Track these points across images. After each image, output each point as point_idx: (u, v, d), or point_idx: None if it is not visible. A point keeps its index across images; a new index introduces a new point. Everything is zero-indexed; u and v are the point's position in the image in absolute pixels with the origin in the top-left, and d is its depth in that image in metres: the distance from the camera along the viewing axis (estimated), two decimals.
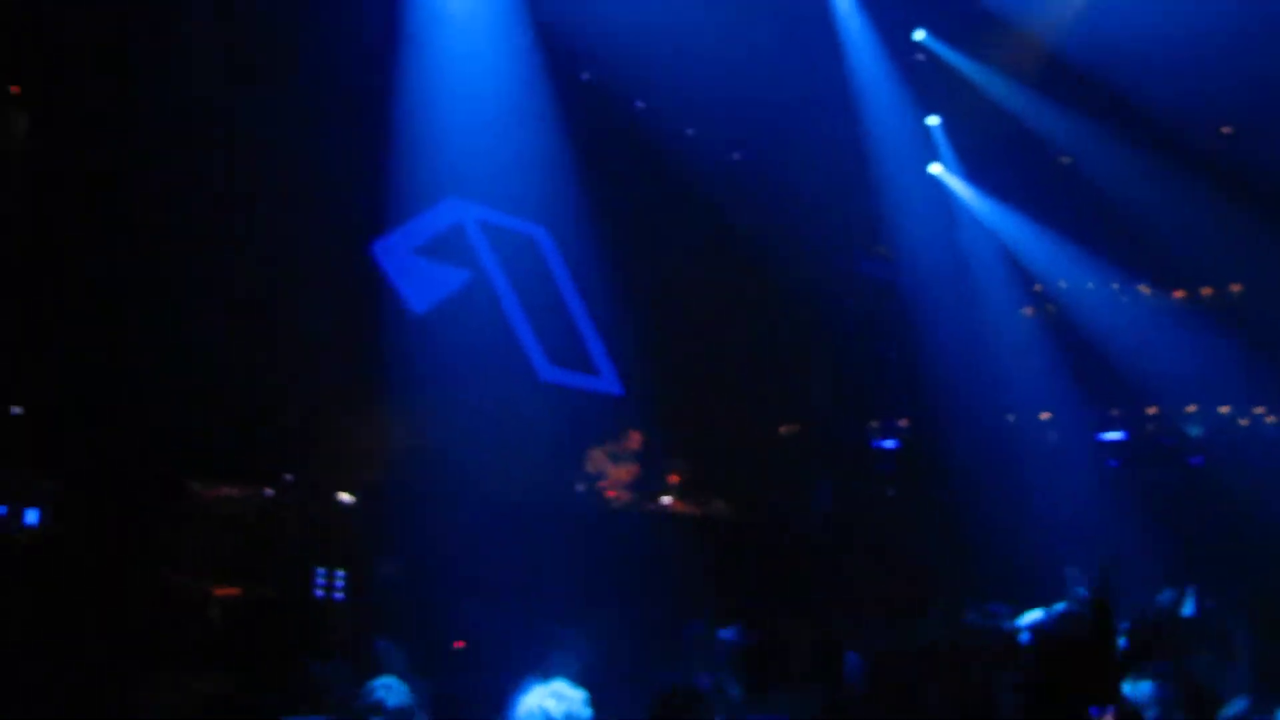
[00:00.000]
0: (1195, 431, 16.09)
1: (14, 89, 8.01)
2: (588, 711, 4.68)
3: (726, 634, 6.62)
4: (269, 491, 8.71)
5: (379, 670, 5.56)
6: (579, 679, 5.29)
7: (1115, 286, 16.09)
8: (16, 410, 7.28)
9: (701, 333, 12.56)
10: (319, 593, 8.18)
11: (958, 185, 14.95)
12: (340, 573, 8.17)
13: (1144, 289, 16.37)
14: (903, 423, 16.49)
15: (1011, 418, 16.86)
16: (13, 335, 7.42)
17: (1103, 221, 14.08)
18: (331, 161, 9.61)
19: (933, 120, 14.23)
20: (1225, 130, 13.83)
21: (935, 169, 14.82)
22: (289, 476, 8.77)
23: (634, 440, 10.33)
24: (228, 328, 8.97)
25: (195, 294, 8.64)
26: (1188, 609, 7.54)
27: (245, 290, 9.14)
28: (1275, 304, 13.72)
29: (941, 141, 14.60)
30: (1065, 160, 14.45)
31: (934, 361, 14.33)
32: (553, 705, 4.66)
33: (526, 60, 11.21)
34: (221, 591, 7.86)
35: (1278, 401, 15.09)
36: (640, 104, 12.43)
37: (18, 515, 7.61)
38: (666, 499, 9.95)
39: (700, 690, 4.52)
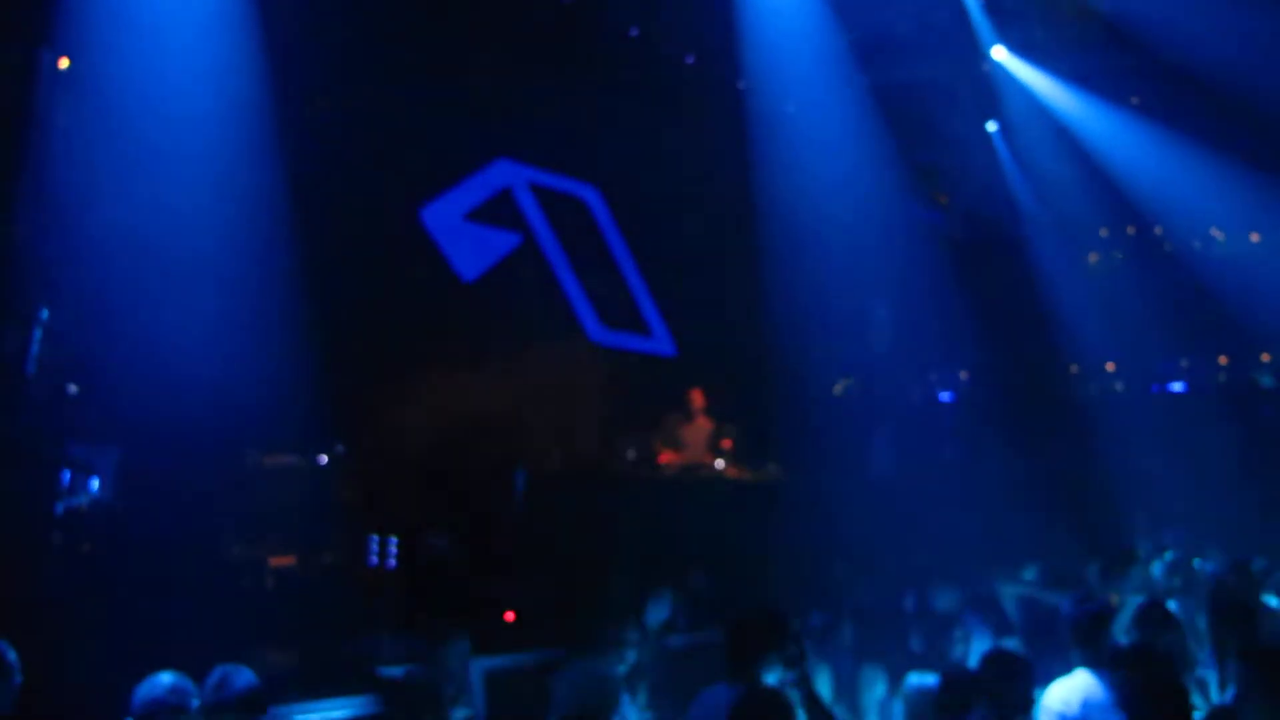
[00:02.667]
0: (1268, 382, 15.67)
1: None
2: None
3: None
4: (323, 460, 8.77)
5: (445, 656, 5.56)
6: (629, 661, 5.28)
7: (1185, 231, 15.67)
8: (72, 389, 7.37)
9: (753, 287, 12.40)
10: (373, 560, 8.25)
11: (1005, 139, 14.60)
12: (393, 540, 8.22)
13: (1216, 233, 15.90)
14: (962, 375, 16.27)
15: (1075, 368, 16.58)
16: (73, 312, 7.49)
17: (1174, 163, 13.67)
18: (379, 128, 9.58)
19: (998, 52, 13.79)
20: None
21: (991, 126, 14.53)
22: (340, 447, 8.82)
23: (699, 400, 10.24)
24: (280, 298, 9.00)
25: (248, 265, 8.65)
26: None
27: (297, 260, 9.15)
28: None
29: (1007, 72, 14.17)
30: (1135, 100, 14.00)
31: (995, 311, 14.06)
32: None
33: (573, 18, 11.03)
34: (277, 560, 7.97)
35: None
36: (690, 59, 12.19)
37: (80, 485, 7.75)
38: (720, 464, 9.85)
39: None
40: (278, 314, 8.96)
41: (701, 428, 10.21)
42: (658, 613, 6.44)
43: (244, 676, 4.17)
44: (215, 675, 4.13)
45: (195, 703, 4.06)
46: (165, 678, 4.07)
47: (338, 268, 9.39)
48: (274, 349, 8.83)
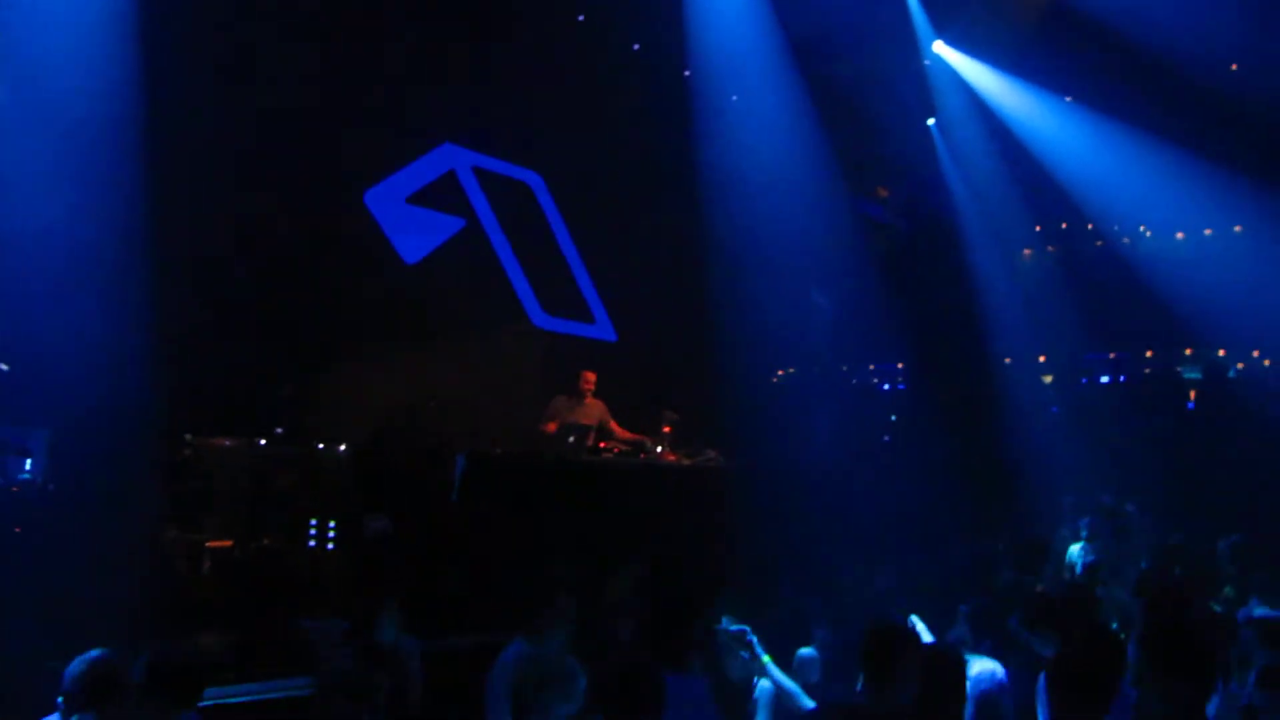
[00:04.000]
0: (1191, 375, 16.09)
1: None
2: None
3: None
4: (262, 443, 8.70)
5: (377, 629, 5.57)
6: (567, 643, 5.33)
7: (1115, 227, 16.02)
8: (3, 368, 7.25)
9: (694, 275, 12.50)
10: (312, 543, 8.21)
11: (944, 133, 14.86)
12: (332, 523, 8.18)
13: (1145, 230, 16.28)
14: (899, 365, 16.53)
15: (1009, 360, 16.89)
16: (3, 291, 7.36)
17: (1106, 161, 13.99)
18: (321, 110, 9.51)
19: (938, 46, 14.03)
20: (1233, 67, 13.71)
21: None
22: (279, 430, 8.75)
23: (589, 382, 10.19)
24: (219, 279, 8.93)
25: (187, 247, 8.56)
26: None
27: (237, 243, 9.08)
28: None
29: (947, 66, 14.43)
30: (1068, 99, 14.30)
31: (933, 303, 14.29)
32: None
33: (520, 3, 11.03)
34: (214, 543, 7.90)
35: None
36: (636, 46, 12.24)
37: (12, 467, 7.64)
38: (659, 449, 9.94)
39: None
40: (217, 295, 8.90)
41: (590, 410, 10.13)
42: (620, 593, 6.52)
43: (178, 656, 4.13)
44: (147, 655, 4.08)
45: (129, 680, 4.02)
46: (96, 654, 4.03)
47: (279, 250, 9.33)
48: (213, 330, 8.76)
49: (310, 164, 9.44)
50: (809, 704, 5.05)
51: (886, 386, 16.57)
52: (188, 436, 8.56)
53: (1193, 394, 15.52)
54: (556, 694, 4.10)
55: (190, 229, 8.48)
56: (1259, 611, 6.02)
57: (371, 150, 10.33)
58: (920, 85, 14.05)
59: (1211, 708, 4.90)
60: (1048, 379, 17.08)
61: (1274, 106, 12.14)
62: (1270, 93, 12.00)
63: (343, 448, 9.02)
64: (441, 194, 10.98)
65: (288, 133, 9.11)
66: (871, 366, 16.46)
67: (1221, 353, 15.91)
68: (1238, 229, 15.50)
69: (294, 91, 9.25)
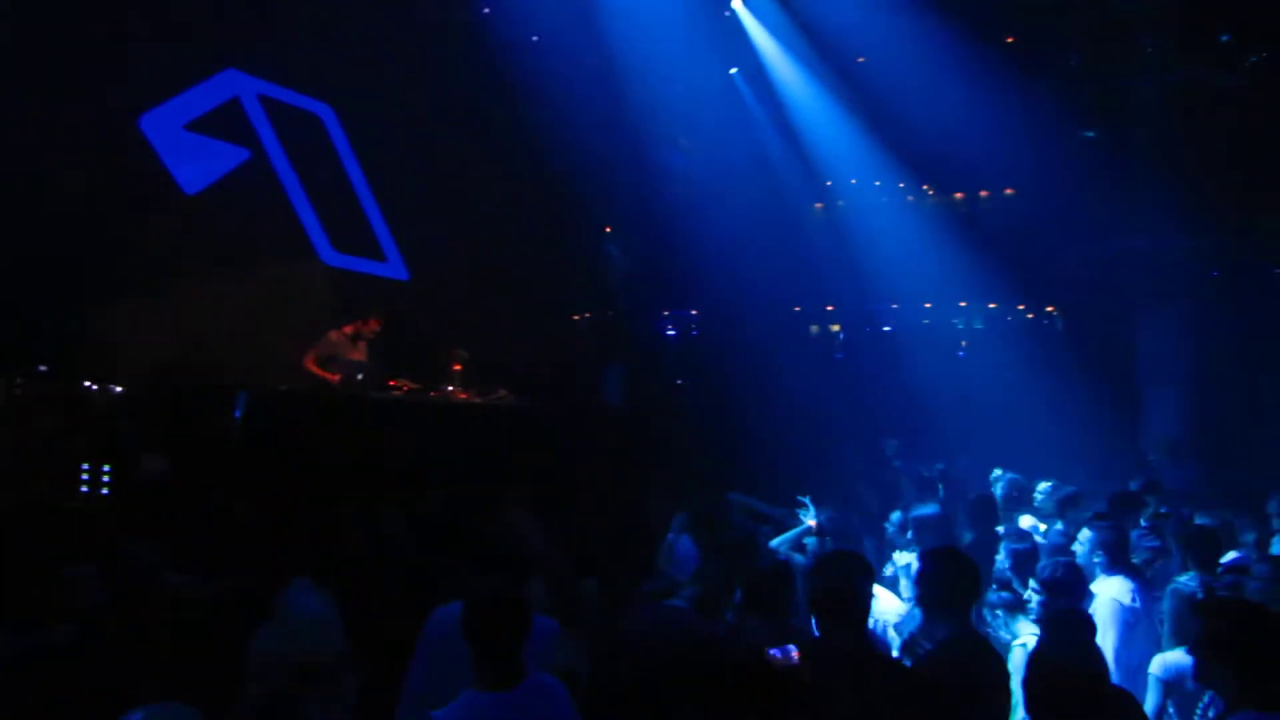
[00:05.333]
0: (962, 325, 17.17)
1: None
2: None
3: None
4: (21, 383, 8.11)
5: (134, 573, 5.36)
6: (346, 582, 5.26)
7: (901, 185, 16.80)
8: None
9: (490, 217, 12.39)
10: (85, 489, 7.76)
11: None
12: (106, 467, 7.76)
13: (928, 190, 17.13)
14: (694, 312, 16.91)
15: (799, 309, 17.54)
16: None
17: (894, 122, 14.61)
18: (90, 23, 8.85)
19: (736, 3, 14.32)
20: (1009, 40, 14.58)
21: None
22: (43, 367, 8.19)
23: (374, 330, 9.94)
24: None
25: None
26: None
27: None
28: (1044, 207, 14.57)
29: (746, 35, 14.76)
30: (861, 60, 14.79)
31: (727, 252, 14.64)
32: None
33: None
34: None
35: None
36: None
37: None
38: (449, 388, 9.86)
39: None
40: None
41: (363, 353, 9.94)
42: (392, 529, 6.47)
43: None
44: None
45: None
46: None
47: (43, 173, 8.65)
48: None
49: (79, 83, 8.78)
50: None
51: (674, 333, 16.95)
52: None
53: (964, 343, 16.60)
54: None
55: None
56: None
57: (148, 71, 9.67)
58: (723, 37, 14.30)
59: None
60: (835, 328, 17.87)
61: None
62: None
63: (117, 388, 8.54)
64: (224, 122, 10.42)
65: (53, 49, 8.44)
66: (666, 313, 16.77)
67: (992, 305, 17.05)
68: (1009, 191, 16.57)
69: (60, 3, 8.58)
